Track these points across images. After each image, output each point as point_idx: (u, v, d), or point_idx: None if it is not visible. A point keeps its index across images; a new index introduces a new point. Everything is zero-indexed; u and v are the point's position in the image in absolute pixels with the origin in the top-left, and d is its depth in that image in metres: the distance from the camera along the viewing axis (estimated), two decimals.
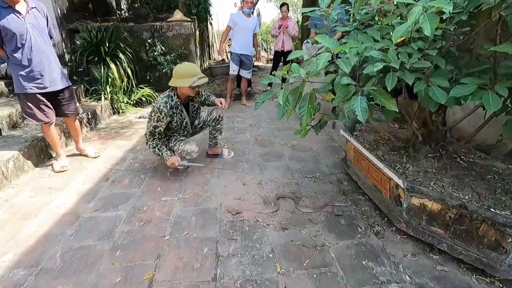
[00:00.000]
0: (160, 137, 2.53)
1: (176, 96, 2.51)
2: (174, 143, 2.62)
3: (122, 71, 4.62)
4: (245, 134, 3.72)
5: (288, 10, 5.85)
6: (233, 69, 4.87)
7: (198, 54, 6.26)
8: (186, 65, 2.49)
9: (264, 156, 3.06)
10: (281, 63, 5.84)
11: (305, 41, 4.68)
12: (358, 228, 1.93)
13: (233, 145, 3.37)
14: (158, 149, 2.50)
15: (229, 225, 1.98)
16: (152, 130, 2.46)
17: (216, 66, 6.88)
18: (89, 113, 3.97)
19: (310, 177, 2.61)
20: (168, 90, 2.54)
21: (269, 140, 3.52)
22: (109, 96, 4.56)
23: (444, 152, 2.00)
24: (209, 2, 7.64)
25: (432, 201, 1.59)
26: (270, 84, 5.85)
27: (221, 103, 2.73)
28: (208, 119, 2.83)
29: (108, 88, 4.52)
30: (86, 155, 3.09)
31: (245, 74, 4.99)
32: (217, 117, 2.83)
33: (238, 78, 5.23)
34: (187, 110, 2.66)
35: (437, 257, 1.68)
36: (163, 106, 2.40)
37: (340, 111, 2.09)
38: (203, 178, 2.62)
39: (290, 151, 3.18)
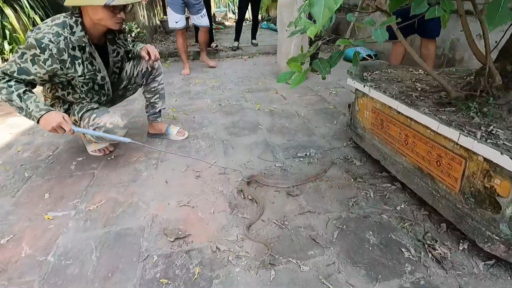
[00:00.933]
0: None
1: (81, 28, 1.36)
2: (80, 113, 1.53)
3: (26, 20, 3.27)
4: (205, 99, 2.68)
5: None
6: (175, 19, 3.23)
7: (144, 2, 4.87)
8: None
9: (230, 129, 2.07)
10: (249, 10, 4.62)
11: None
12: (403, 249, 1.05)
13: (186, 114, 2.33)
14: (18, 96, 1.25)
15: (163, 265, 1.03)
16: (10, 70, 1.27)
17: None
18: None
19: (302, 156, 1.69)
20: (64, 15, 1.36)
21: (238, 105, 2.52)
22: (10, 56, 3.23)
23: None
24: None
25: None
26: (237, 48, 4.50)
27: (148, 53, 1.64)
28: (134, 74, 1.75)
29: (6, 44, 3.18)
30: None
31: (199, 20, 3.38)
32: (149, 69, 1.75)
33: (197, 30, 4.01)
34: (104, 57, 1.53)
35: None
36: (51, 40, 1.27)
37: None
38: (131, 169, 1.61)
39: (268, 119, 2.22)
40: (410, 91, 1.51)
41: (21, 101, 1.26)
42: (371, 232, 1.13)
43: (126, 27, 4.05)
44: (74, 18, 1.35)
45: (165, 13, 7.15)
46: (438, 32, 2.33)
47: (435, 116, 1.16)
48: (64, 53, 1.32)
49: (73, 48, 1.35)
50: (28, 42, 1.26)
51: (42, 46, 1.26)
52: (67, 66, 1.35)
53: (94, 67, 1.47)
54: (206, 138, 1.93)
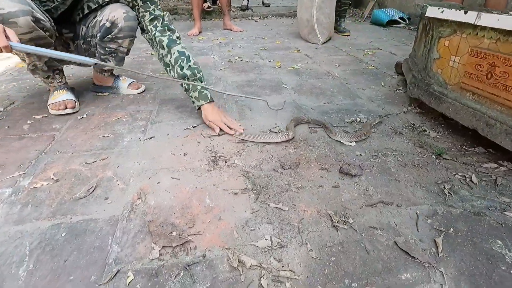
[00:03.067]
0: None
1: None
2: None
3: None
4: (210, 56, 2.16)
5: None
6: None
7: None
8: None
9: (245, 87, 1.58)
10: None
11: None
12: None
13: None
14: None
15: None
16: None
17: None
18: None
19: (348, 122, 1.21)
20: None
21: (252, 62, 2.00)
22: None
23: None
24: None
25: None
26: (246, 8, 3.78)
27: None
28: (93, 23, 1.25)
29: None
30: None
31: None
32: (107, 25, 1.21)
33: None
34: None
35: None
36: None
37: None
38: (109, 132, 1.12)
39: (294, 77, 1.72)
40: None
41: None
42: (499, 242, 0.67)
43: None
44: None
45: None
46: None
47: None
48: None
49: None
50: None
51: None
52: None
53: None
54: (214, 97, 1.44)
